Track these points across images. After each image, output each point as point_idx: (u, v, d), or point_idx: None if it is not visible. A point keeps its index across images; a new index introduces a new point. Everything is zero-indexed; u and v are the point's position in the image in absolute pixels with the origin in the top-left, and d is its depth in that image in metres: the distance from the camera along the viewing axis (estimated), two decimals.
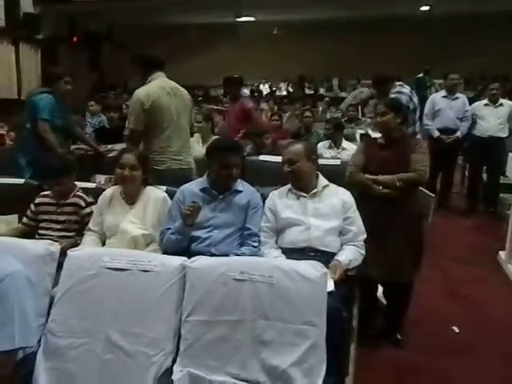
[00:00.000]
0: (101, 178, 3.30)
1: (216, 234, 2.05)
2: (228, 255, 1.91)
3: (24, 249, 1.70)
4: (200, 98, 9.43)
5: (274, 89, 12.34)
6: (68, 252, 1.73)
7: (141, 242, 2.11)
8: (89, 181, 3.00)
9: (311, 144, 2.57)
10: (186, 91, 2.96)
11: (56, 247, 1.76)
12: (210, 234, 2.06)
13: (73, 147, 3.50)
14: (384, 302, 2.53)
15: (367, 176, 2.31)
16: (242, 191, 2.15)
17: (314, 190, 2.14)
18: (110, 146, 3.61)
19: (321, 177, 2.20)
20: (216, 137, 3.72)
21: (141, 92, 2.74)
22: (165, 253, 1.99)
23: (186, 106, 2.96)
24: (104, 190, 2.37)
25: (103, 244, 2.19)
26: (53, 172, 2.34)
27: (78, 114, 4.97)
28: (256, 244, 2.07)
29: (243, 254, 1.97)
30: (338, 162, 3.16)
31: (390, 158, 2.31)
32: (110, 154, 3.37)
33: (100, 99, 6.18)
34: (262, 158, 3.37)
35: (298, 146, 2.13)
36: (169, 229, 2.06)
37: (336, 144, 4.07)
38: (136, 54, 2.92)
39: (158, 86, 2.79)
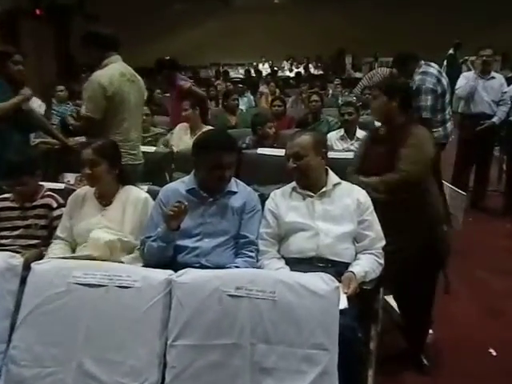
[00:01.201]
0: (70, 177, 3.31)
1: (206, 243, 2.06)
2: (221, 267, 1.92)
3: None
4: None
5: (275, 69, 12.37)
6: (32, 265, 1.73)
7: (117, 248, 2.12)
8: (56, 180, 3.01)
9: (320, 134, 2.58)
10: (140, 78, 3.08)
11: (18, 260, 1.76)
12: (199, 243, 2.06)
13: (36, 141, 3.51)
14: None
15: (360, 178, 2.32)
16: (236, 192, 2.16)
17: (324, 189, 2.15)
18: (79, 139, 3.61)
19: (331, 173, 2.21)
20: (207, 128, 3.74)
21: (103, 76, 2.81)
22: (147, 265, 2.00)
23: (142, 95, 3.11)
24: (74, 191, 2.38)
25: (73, 253, 2.20)
26: (10, 170, 2.34)
27: (44, 100, 4.96)
28: (253, 254, 2.08)
29: (238, 267, 1.98)
30: (351, 155, 3.16)
31: (383, 154, 2.31)
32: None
33: (71, 84, 6.17)
34: (261, 151, 3.39)
35: (305, 138, 2.14)
36: (150, 236, 2.07)
37: (349, 134, 4.08)
38: (90, 31, 2.97)
39: (120, 72, 2.89)
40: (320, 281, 1.58)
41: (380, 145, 2.39)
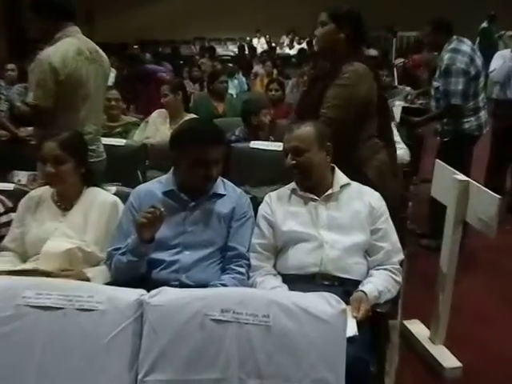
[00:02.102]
0: (21, 176, 3.32)
1: (187, 257, 2.07)
2: (204, 286, 1.93)
3: None
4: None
5: (273, 45, 12.41)
6: None
7: (78, 260, 2.13)
8: (4, 180, 3.02)
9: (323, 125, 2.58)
10: (104, 54, 3.00)
11: None
12: (178, 256, 2.07)
13: None
14: None
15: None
16: (223, 195, 2.17)
17: (329, 192, 2.17)
18: (32, 130, 3.59)
19: (338, 172, 2.23)
20: (189, 116, 3.74)
21: (54, 55, 2.72)
22: (114, 283, 2.00)
23: (105, 77, 3.04)
24: (26, 192, 2.38)
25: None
26: None
27: None
28: (244, 270, 2.09)
29: (225, 285, 1.99)
30: None
31: (316, 94, 2.42)
32: (34, 141, 3.33)
33: (23, 62, 6.14)
34: (255, 144, 3.40)
35: (308, 129, 2.16)
36: (119, 249, 2.07)
37: None
38: None
39: (76, 48, 2.80)
40: (324, 302, 1.58)
41: (319, 84, 2.49)
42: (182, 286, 1.93)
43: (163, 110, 4.06)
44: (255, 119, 3.77)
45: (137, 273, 2.04)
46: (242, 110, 3.90)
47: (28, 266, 2.10)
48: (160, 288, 1.68)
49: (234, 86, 6.73)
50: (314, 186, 2.17)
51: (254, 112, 3.78)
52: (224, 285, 1.99)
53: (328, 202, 2.15)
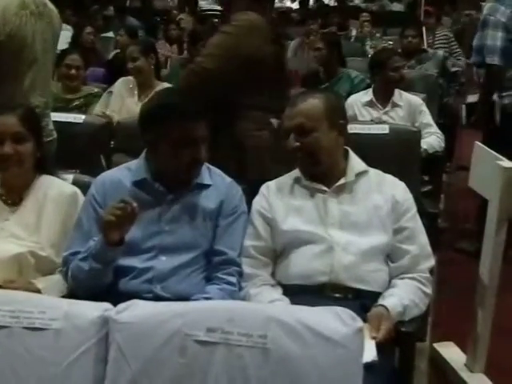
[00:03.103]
0: None
1: (163, 263, 2.09)
2: (185, 299, 1.92)
3: None
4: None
5: None
6: None
7: (29, 267, 2.14)
8: None
9: (337, 98, 2.58)
10: (54, 8, 2.98)
11: None
12: (151, 262, 2.09)
13: None
14: None
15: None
16: (209, 185, 2.18)
17: (342, 181, 2.18)
18: None
19: (353, 157, 2.24)
20: (163, 86, 3.75)
21: None
22: (71, 295, 2.01)
23: (56, 37, 3.01)
24: None
25: None
26: None
27: None
28: (234, 279, 2.10)
29: (210, 298, 2.00)
30: (384, 128, 3.20)
31: None
32: None
33: None
34: None
35: (314, 102, 2.17)
36: (78, 253, 2.08)
37: (381, 97, 4.10)
38: None
39: (19, 1, 2.76)
40: (335, 319, 1.55)
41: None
42: (157, 299, 1.93)
43: (129, 77, 4.08)
44: None
45: (100, 283, 2.05)
46: None
47: None
48: (130, 301, 1.67)
49: None
50: (322, 175, 2.18)
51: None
52: (209, 298, 2.00)
53: (340, 193, 2.16)
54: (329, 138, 2.15)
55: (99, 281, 2.05)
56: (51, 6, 2.96)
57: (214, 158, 2.24)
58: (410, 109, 3.99)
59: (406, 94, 4.11)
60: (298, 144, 2.15)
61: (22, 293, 1.88)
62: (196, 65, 2.61)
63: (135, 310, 1.64)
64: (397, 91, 4.10)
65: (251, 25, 2.62)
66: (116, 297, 1.85)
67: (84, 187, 2.28)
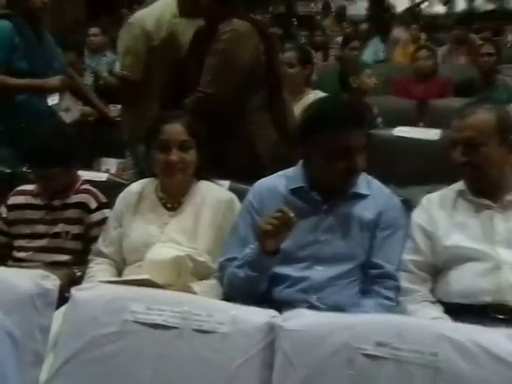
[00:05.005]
0: (110, 164, 3.54)
1: (319, 273, 2.11)
2: (341, 310, 1.95)
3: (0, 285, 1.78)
4: None
5: (417, 0, 12.08)
6: (73, 291, 1.81)
7: (187, 270, 2.21)
8: (89, 168, 3.17)
9: (507, 111, 2.49)
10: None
11: (52, 282, 1.82)
12: (307, 272, 2.12)
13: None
14: None
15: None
16: (367, 196, 2.19)
17: (510, 197, 2.14)
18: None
19: None
20: (315, 93, 3.80)
21: (147, 17, 2.91)
22: (227, 300, 2.03)
23: None
24: (121, 184, 2.52)
25: (120, 277, 2.31)
26: (37, 155, 2.46)
27: (68, 49, 5.18)
28: (392, 294, 2.10)
29: (367, 312, 1.99)
30: None
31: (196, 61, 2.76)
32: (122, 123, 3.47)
33: (108, 24, 6.36)
34: (401, 131, 3.38)
35: (485, 116, 2.12)
36: (234, 259, 2.15)
37: None
38: None
39: (172, 10, 2.95)
40: (508, 341, 1.53)
41: (199, 48, 2.78)
42: (312, 309, 1.90)
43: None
44: (355, 81, 3.80)
45: (255, 290, 2.10)
46: (339, 72, 3.97)
47: (137, 276, 2.15)
48: (295, 310, 1.70)
49: (367, 55, 6.70)
50: (488, 189, 2.14)
51: (353, 72, 3.82)
52: (365, 312, 1.99)
53: (507, 210, 2.11)
54: (498, 154, 2.11)
55: (254, 288, 2.10)
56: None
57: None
58: None
59: None
60: (466, 159, 2.11)
61: (190, 295, 1.99)
62: (201, 93, 2.74)
63: (302, 319, 1.66)
64: None
65: (239, 34, 2.75)
66: (270, 304, 1.88)
67: (239, 194, 2.35)
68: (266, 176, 2.36)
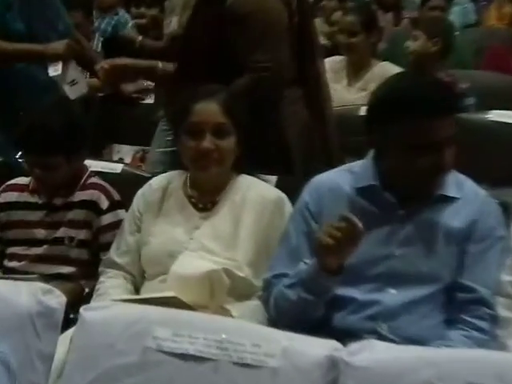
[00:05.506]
0: (124, 152, 3.43)
1: (391, 297, 1.96)
2: (419, 343, 1.77)
3: None
4: None
5: None
6: (81, 311, 1.69)
7: (223, 286, 2.06)
8: (99, 157, 3.07)
9: None
10: None
11: (58, 299, 1.70)
12: (377, 294, 1.97)
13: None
14: None
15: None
16: (457, 199, 2.00)
17: None
18: (144, 83, 3.63)
19: None
20: (381, 66, 3.79)
21: None
22: (273, 324, 1.92)
23: None
24: (142, 178, 2.43)
25: (137, 293, 2.23)
26: (33, 138, 2.28)
27: (74, 8, 4.76)
28: (486, 325, 1.91)
29: (453, 347, 1.82)
30: None
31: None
32: (148, 100, 3.50)
33: None
34: (497, 116, 3.27)
35: None
36: (284, 276, 2.00)
37: None
38: None
39: None
40: None
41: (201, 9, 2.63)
42: (381, 339, 1.75)
43: (335, 57, 3.99)
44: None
45: (310, 316, 1.95)
46: None
47: (162, 293, 2.04)
48: (362, 342, 1.59)
49: (454, 15, 6.26)
50: None
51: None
52: (451, 347, 1.81)
53: None
54: None
55: (308, 313, 1.95)
56: None
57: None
58: None
59: None
60: None
61: (228, 319, 1.90)
62: (255, 69, 2.57)
63: (372, 353, 1.56)
64: None
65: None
66: (328, 334, 1.73)
67: (291, 192, 2.19)
68: (294, 169, 2.32)
